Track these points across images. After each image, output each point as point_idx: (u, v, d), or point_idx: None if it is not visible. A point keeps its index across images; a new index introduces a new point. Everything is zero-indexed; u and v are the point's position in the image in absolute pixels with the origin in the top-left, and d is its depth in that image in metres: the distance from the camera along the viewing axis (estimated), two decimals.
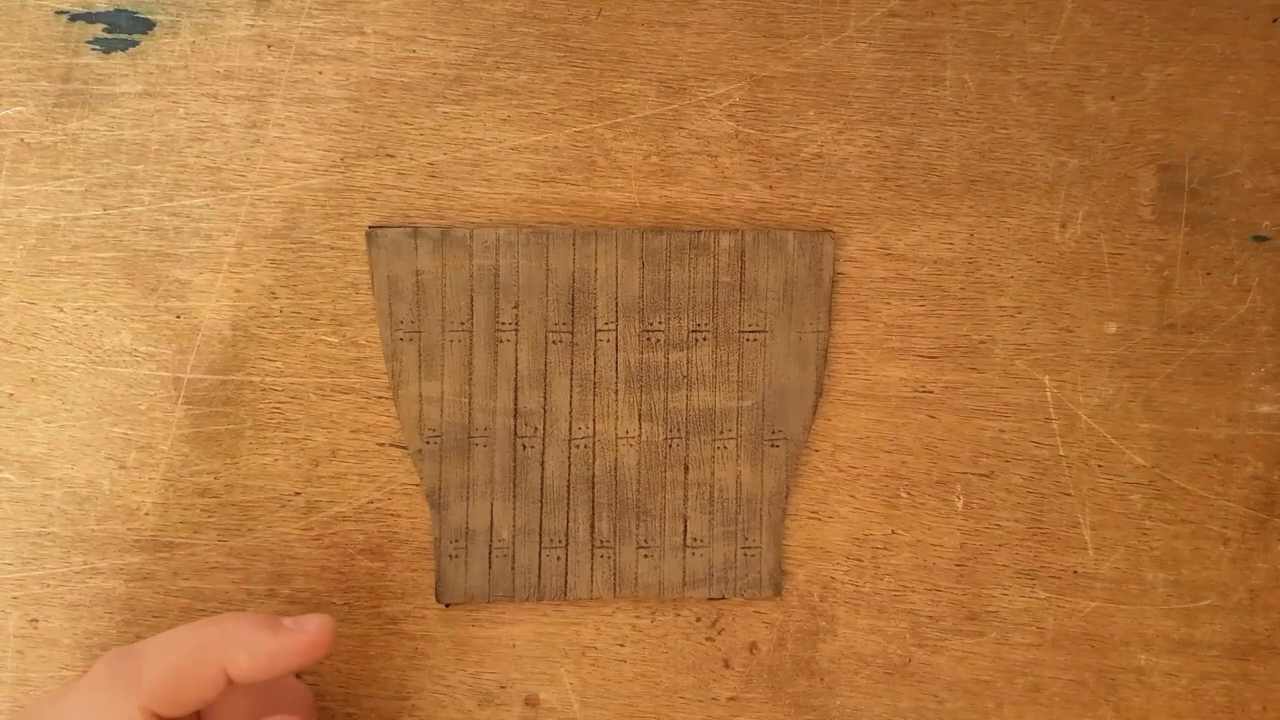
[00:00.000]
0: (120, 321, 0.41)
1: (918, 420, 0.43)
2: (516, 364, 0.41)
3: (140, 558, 0.41)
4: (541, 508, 0.41)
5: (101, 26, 0.41)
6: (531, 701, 0.42)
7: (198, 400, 0.41)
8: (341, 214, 0.42)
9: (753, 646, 0.43)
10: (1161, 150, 0.44)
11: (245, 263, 0.42)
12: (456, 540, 0.41)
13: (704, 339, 0.42)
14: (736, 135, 0.43)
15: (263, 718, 0.36)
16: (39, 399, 0.41)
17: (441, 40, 0.42)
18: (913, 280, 0.43)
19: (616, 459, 0.42)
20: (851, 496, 0.43)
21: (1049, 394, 0.44)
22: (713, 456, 0.42)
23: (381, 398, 0.42)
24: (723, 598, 0.43)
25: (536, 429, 0.41)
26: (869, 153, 0.43)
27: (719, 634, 0.43)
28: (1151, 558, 0.44)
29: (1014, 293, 0.44)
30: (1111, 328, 0.44)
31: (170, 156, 0.41)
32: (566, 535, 0.42)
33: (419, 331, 0.41)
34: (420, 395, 0.41)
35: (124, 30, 0.41)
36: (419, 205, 0.42)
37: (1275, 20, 0.45)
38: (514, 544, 0.41)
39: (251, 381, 0.42)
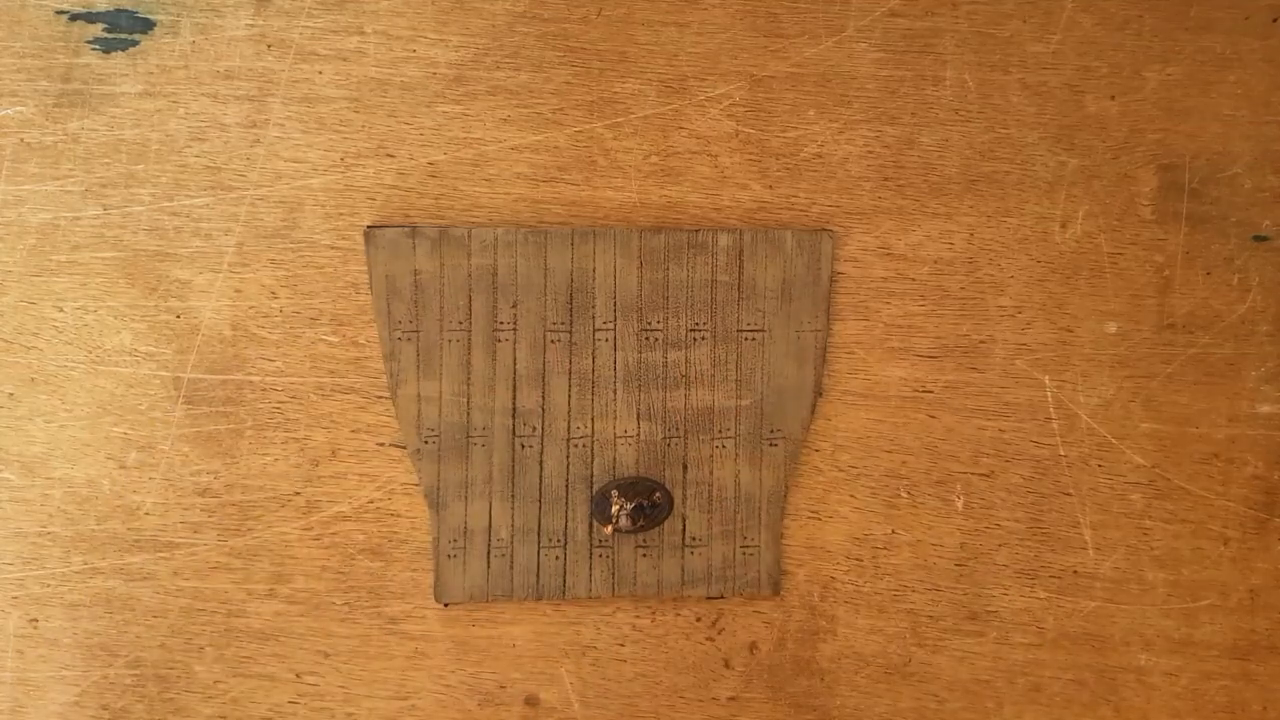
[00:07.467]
0: (120, 321, 0.41)
1: (918, 420, 0.43)
2: (515, 363, 0.41)
3: (140, 558, 0.41)
4: (540, 507, 0.41)
5: (101, 26, 0.41)
6: (531, 701, 0.42)
7: (198, 400, 0.41)
8: (341, 214, 0.42)
9: (753, 646, 0.43)
10: (1161, 150, 0.44)
11: (245, 263, 0.42)
12: (455, 540, 0.41)
13: (702, 338, 0.42)
14: (736, 135, 0.43)
15: None
16: (39, 399, 0.41)
17: (441, 40, 0.42)
18: (913, 280, 0.43)
19: (615, 458, 0.42)
20: (851, 496, 0.43)
21: (1049, 394, 0.44)
22: (711, 456, 0.42)
23: (382, 398, 0.42)
24: (721, 596, 0.43)
25: (535, 428, 0.41)
26: (869, 153, 0.43)
27: (719, 634, 0.43)
28: (1151, 558, 0.44)
29: (1014, 293, 0.44)
30: (1111, 328, 0.44)
31: (170, 156, 0.41)
32: (565, 535, 0.42)
33: (417, 331, 0.41)
34: (419, 395, 0.41)
35: (124, 30, 0.41)
36: (419, 205, 0.42)
37: (1275, 20, 0.44)
38: (512, 543, 0.41)
39: (251, 381, 0.42)
